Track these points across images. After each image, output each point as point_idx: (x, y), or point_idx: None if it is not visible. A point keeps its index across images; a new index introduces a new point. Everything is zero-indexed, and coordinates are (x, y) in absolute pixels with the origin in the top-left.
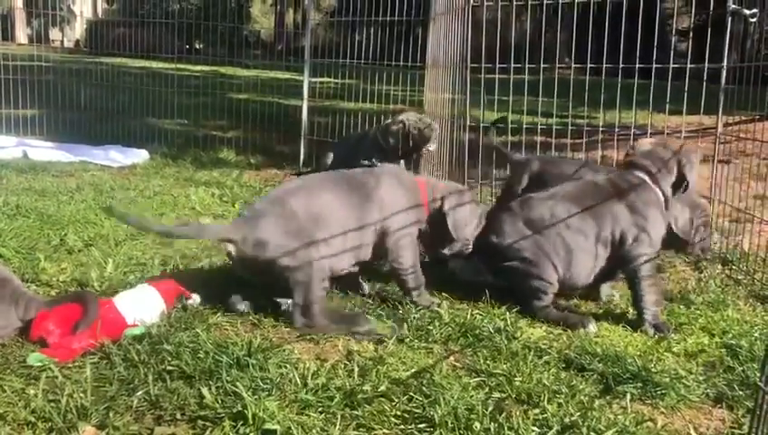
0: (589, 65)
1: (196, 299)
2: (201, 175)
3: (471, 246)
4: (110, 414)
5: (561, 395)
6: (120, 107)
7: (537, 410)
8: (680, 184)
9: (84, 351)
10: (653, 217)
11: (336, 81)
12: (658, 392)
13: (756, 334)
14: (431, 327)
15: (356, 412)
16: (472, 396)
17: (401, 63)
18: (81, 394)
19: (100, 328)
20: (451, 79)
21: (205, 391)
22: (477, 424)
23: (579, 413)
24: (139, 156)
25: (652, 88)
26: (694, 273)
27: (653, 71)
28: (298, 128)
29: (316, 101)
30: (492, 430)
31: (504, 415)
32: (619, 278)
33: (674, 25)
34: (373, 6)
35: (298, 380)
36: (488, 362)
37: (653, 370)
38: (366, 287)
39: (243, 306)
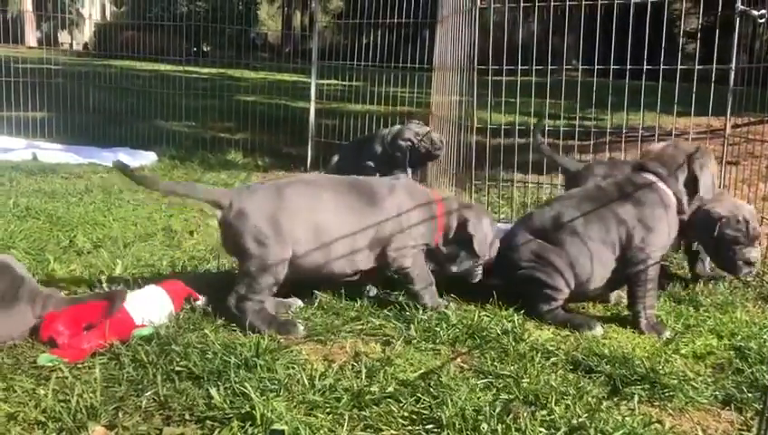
0: (596, 67)
1: (203, 301)
2: (209, 177)
3: (481, 268)
4: (120, 414)
5: (569, 397)
6: (129, 109)
7: (545, 412)
8: (693, 184)
9: (93, 351)
10: (659, 219)
11: (343, 83)
12: (666, 394)
13: (765, 336)
14: (438, 329)
15: (364, 413)
16: (479, 397)
17: (408, 65)
18: (91, 394)
19: (109, 328)
20: (458, 81)
21: (213, 391)
22: (485, 425)
23: (586, 415)
24: (148, 158)
25: (660, 89)
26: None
27: (661, 72)
28: (305, 130)
29: (323, 104)
30: (499, 431)
31: (511, 416)
32: None
33: (682, 27)
34: (380, 9)
35: (306, 381)
36: (496, 363)
37: (661, 372)
38: (373, 290)
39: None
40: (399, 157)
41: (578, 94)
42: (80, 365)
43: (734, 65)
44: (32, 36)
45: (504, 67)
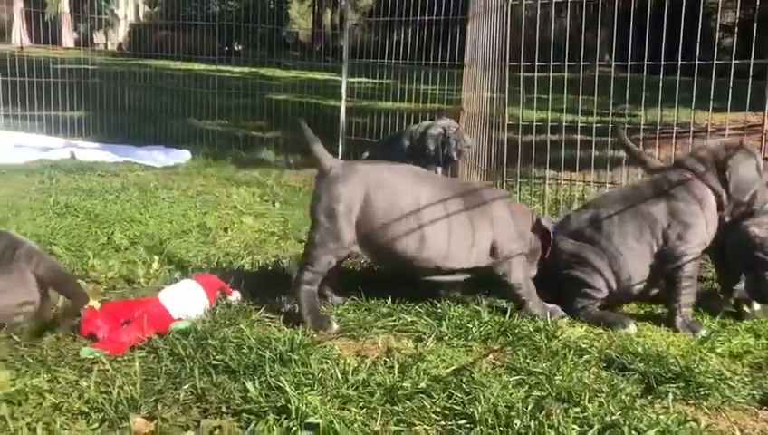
0: (630, 63)
1: (237, 296)
2: (242, 174)
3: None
4: (159, 406)
5: (602, 394)
6: (163, 108)
7: (578, 409)
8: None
9: (133, 345)
10: (695, 215)
11: (374, 81)
12: (702, 393)
13: None
14: (470, 326)
15: (396, 408)
16: (512, 394)
17: (439, 63)
18: (131, 387)
19: (147, 322)
20: (490, 77)
21: (249, 385)
22: (517, 421)
23: (620, 412)
24: (182, 156)
25: (695, 85)
26: None
27: (696, 67)
28: (336, 128)
29: (354, 101)
30: (532, 427)
31: (544, 413)
32: None
33: (718, 21)
34: (411, 6)
35: (339, 375)
36: (528, 360)
37: (696, 370)
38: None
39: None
40: (429, 152)
41: (611, 90)
42: (120, 358)
43: None
44: (68, 37)
45: (536, 63)
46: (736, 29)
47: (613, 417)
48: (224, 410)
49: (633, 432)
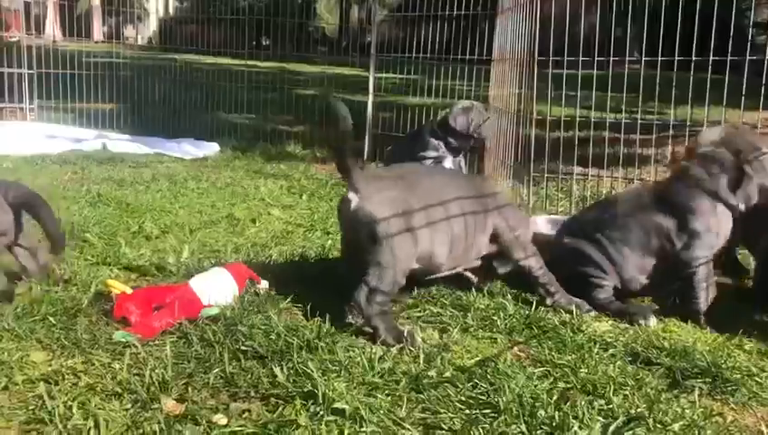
0: (660, 59)
1: (264, 285)
2: (269, 167)
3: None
4: (189, 389)
5: (627, 387)
6: (192, 102)
7: (602, 401)
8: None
9: (164, 329)
10: (701, 219)
11: (401, 76)
12: (729, 388)
13: None
14: (495, 318)
15: (421, 396)
16: (536, 385)
17: (467, 58)
18: (163, 370)
19: (178, 308)
20: (518, 73)
21: (277, 370)
22: (542, 412)
23: (645, 405)
24: (211, 149)
25: (726, 82)
26: None
27: (728, 64)
28: (363, 123)
29: (381, 97)
30: (556, 418)
31: (568, 404)
32: None
33: (751, 17)
34: (438, 1)
35: (365, 363)
36: (553, 353)
37: (723, 366)
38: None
39: None
40: (461, 125)
41: (640, 87)
42: (151, 342)
43: None
44: (99, 31)
45: (566, 59)
46: None
47: (638, 410)
48: (252, 394)
49: (658, 425)
